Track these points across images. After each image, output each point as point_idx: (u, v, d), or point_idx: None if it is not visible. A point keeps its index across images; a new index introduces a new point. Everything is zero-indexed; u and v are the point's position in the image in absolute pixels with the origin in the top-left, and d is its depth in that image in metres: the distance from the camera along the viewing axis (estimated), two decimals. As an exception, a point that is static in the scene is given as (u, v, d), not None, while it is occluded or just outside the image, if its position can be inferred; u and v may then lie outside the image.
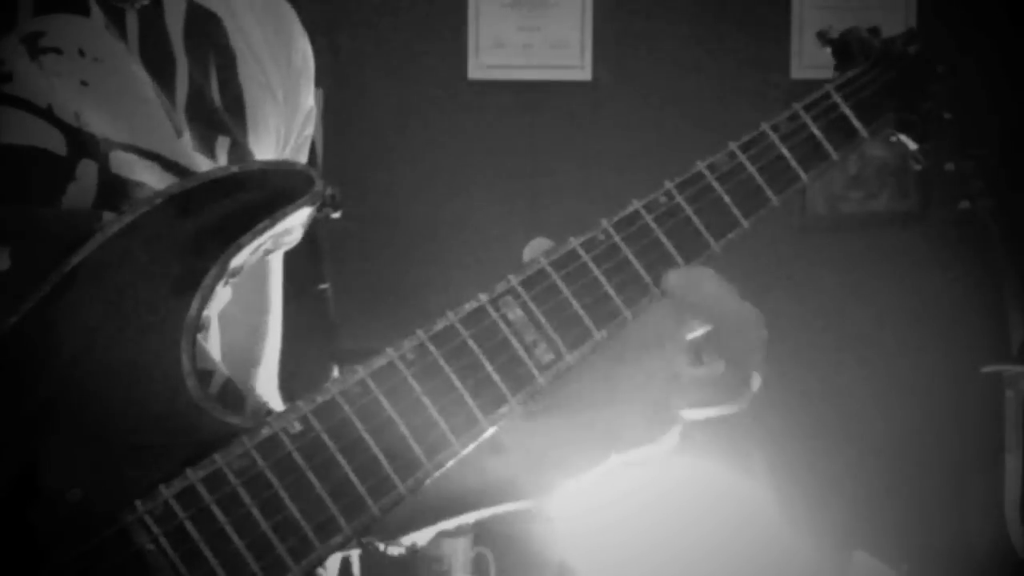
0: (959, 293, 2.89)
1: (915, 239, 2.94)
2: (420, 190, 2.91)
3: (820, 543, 2.52)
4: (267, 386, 1.05)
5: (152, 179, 0.86)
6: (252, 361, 1.04)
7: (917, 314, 2.90)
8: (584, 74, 2.91)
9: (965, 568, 2.76)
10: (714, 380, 0.85)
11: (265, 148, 0.98)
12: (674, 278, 0.85)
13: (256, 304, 1.03)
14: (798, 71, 2.87)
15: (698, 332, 0.86)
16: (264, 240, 0.80)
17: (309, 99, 1.05)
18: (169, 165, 0.87)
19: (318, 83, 1.08)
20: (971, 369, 2.72)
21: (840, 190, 2.94)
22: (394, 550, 0.93)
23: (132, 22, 0.90)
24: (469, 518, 0.91)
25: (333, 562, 1.00)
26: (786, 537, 2.47)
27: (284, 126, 1.01)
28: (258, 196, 0.80)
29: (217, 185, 0.80)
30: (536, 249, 0.85)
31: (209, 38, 0.95)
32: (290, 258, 1.07)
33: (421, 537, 0.94)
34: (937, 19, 2.88)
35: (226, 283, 0.80)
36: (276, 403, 1.02)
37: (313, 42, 1.08)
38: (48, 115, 0.82)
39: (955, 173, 2.75)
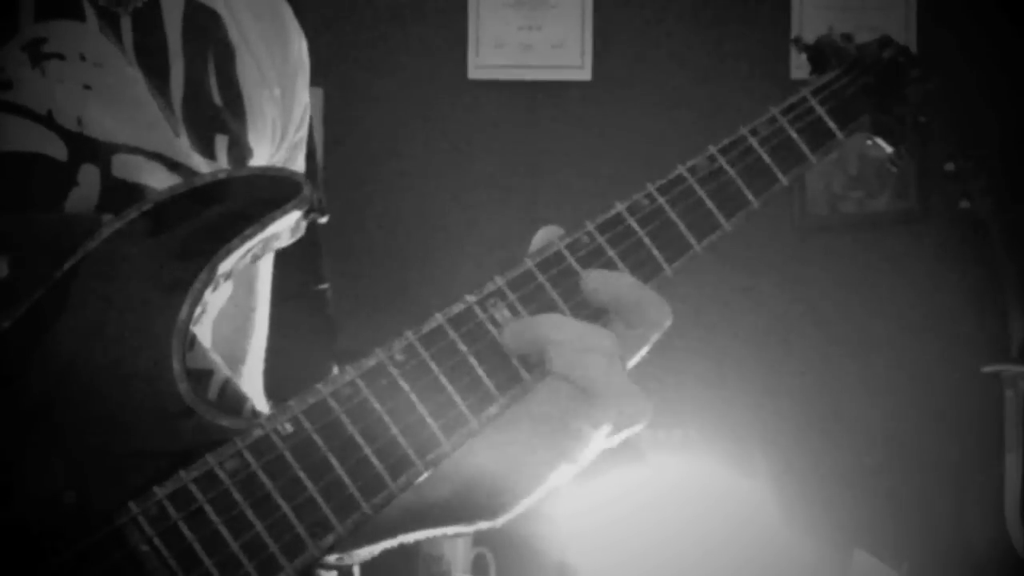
0: (959, 293, 2.89)
1: (915, 239, 2.94)
2: (420, 190, 2.91)
3: (820, 543, 2.52)
4: (252, 383, 1.05)
5: (157, 180, 0.86)
6: (238, 358, 1.04)
7: (917, 314, 2.90)
8: (584, 74, 2.92)
9: (965, 568, 2.76)
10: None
11: (263, 144, 0.99)
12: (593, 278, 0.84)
13: (244, 301, 1.03)
14: (797, 71, 2.87)
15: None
16: (253, 245, 0.80)
17: (305, 95, 1.06)
18: (173, 165, 0.88)
19: (318, 83, 1.08)
20: (971, 369, 2.72)
21: (840, 190, 2.94)
22: (348, 563, 0.93)
23: (126, 25, 0.90)
24: (423, 535, 0.90)
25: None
26: (786, 537, 2.47)
27: (281, 122, 1.02)
28: (246, 201, 0.81)
29: (206, 190, 0.81)
30: (550, 234, 0.85)
31: (208, 35, 0.96)
32: (290, 258, 1.08)
33: (376, 550, 0.94)
34: (937, 20, 2.88)
35: (215, 288, 0.81)
36: (260, 400, 1.02)
37: (313, 42, 1.08)
38: (48, 121, 0.83)
39: (955, 173, 2.77)
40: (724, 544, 2.41)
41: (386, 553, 1.00)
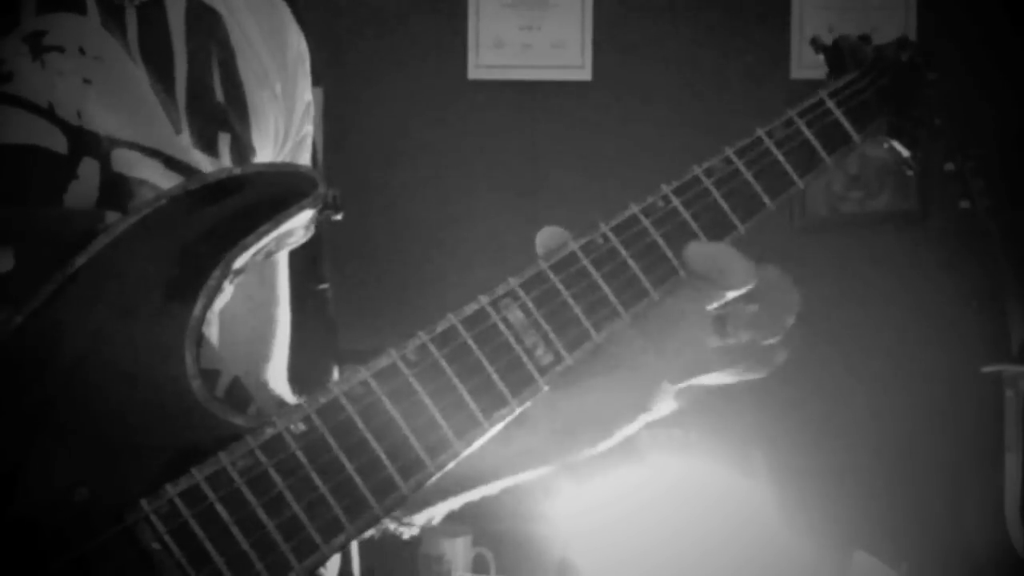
0: (959, 293, 2.89)
1: (915, 239, 2.94)
2: (420, 190, 2.91)
3: (820, 543, 2.52)
4: (278, 380, 1.06)
5: (154, 177, 0.86)
6: (264, 356, 1.05)
7: (917, 314, 2.90)
8: (584, 74, 2.92)
9: (965, 568, 2.76)
10: (738, 349, 0.88)
11: (265, 143, 0.99)
12: (694, 250, 0.87)
13: (265, 300, 1.04)
14: (798, 71, 2.87)
15: (717, 303, 0.87)
16: (267, 241, 0.80)
17: (307, 93, 1.06)
18: (171, 162, 0.88)
19: (318, 82, 1.08)
20: (971, 369, 2.72)
21: (840, 190, 2.94)
22: (407, 532, 0.93)
23: (131, 19, 0.90)
24: (494, 488, 0.93)
25: (332, 561, 1.01)
26: (786, 537, 2.47)
27: (283, 121, 1.02)
28: (261, 198, 0.80)
29: (221, 186, 0.80)
30: (548, 236, 0.85)
31: (210, 33, 0.96)
32: (290, 258, 1.08)
33: (443, 510, 0.95)
34: (937, 20, 2.88)
35: (231, 282, 0.80)
36: (287, 396, 1.03)
37: (313, 42, 1.08)
38: (49, 114, 0.83)
39: (955, 173, 2.77)
40: (724, 544, 2.40)
41: (386, 553, 1.01)
